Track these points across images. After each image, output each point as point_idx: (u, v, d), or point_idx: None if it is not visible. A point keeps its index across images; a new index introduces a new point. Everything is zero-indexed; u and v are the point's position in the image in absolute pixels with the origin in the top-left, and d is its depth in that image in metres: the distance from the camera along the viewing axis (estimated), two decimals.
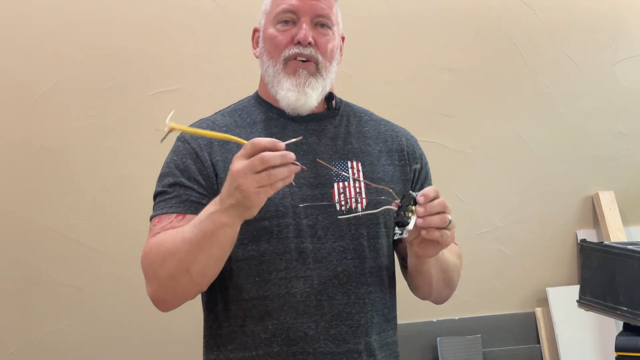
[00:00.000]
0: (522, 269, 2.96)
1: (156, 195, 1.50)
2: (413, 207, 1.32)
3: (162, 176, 1.50)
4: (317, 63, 1.51)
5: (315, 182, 1.46)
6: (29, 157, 2.47)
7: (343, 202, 1.47)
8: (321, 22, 1.52)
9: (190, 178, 1.47)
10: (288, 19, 1.51)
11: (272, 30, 1.53)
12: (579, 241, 2.84)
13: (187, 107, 2.51)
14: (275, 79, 1.52)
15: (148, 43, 2.56)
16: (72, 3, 2.51)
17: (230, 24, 2.62)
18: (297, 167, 1.25)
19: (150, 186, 1.54)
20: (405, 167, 1.58)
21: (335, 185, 1.48)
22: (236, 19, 2.62)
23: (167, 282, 1.39)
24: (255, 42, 1.61)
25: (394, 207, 1.35)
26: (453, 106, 2.89)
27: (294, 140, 1.28)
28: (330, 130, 1.55)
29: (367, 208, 1.47)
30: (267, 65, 1.54)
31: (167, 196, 1.47)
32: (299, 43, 1.49)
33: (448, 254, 1.52)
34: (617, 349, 2.19)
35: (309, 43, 1.49)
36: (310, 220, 1.44)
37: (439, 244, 1.36)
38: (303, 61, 1.50)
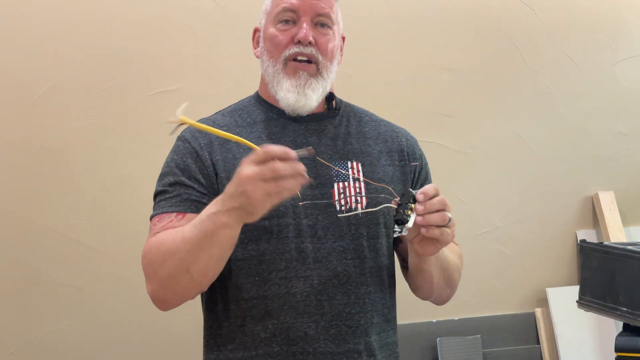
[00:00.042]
0: (522, 269, 2.96)
1: (156, 194, 1.50)
2: (412, 205, 1.32)
3: (162, 175, 1.50)
4: (317, 63, 1.51)
5: (315, 182, 1.46)
6: (29, 157, 2.47)
7: (343, 202, 1.47)
8: (321, 22, 1.52)
9: (190, 177, 1.47)
10: (288, 18, 1.51)
11: (272, 30, 1.53)
12: (578, 241, 2.84)
13: (187, 107, 2.52)
14: (275, 79, 1.52)
15: (148, 43, 2.56)
16: (72, 3, 2.51)
17: (230, 24, 2.62)
18: (305, 179, 1.24)
19: (150, 186, 1.54)
20: (405, 168, 1.58)
21: (335, 185, 1.48)
22: (236, 19, 2.62)
23: (167, 281, 1.39)
24: (255, 42, 1.61)
25: (393, 205, 1.35)
26: (453, 106, 2.89)
27: (304, 151, 1.28)
28: (331, 131, 1.55)
29: (367, 208, 1.47)
30: (267, 65, 1.54)
31: (168, 195, 1.47)
32: (299, 42, 1.49)
33: (449, 253, 1.52)
34: (616, 350, 2.19)
35: (310, 42, 1.49)
36: (310, 220, 1.44)
37: (439, 242, 1.36)
38: (303, 61, 1.50)
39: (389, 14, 2.82)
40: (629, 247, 2.22)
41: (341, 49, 1.61)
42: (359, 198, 1.48)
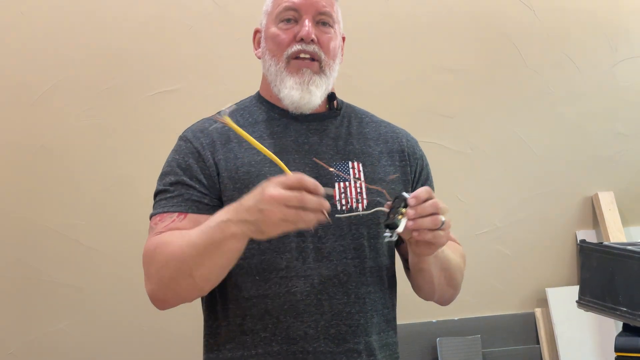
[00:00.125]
0: (522, 269, 2.96)
1: (157, 193, 1.50)
2: (404, 210, 1.31)
3: (163, 174, 1.50)
4: (320, 61, 1.51)
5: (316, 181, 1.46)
6: (29, 157, 2.47)
7: (344, 202, 1.47)
8: (323, 20, 1.53)
9: (192, 177, 1.47)
10: (290, 17, 1.52)
11: (274, 29, 1.53)
12: (578, 242, 2.84)
13: (187, 107, 2.53)
14: (278, 78, 1.52)
15: (148, 43, 2.56)
16: (72, 3, 2.51)
17: (230, 24, 2.62)
18: (324, 218, 1.23)
19: (151, 186, 1.54)
20: (405, 168, 1.58)
21: (336, 185, 1.48)
22: (236, 19, 2.62)
23: (169, 283, 1.39)
24: (256, 43, 1.62)
25: (385, 209, 1.34)
26: (453, 107, 2.89)
27: (331, 190, 1.27)
28: (332, 131, 1.55)
29: (367, 208, 1.47)
30: (270, 64, 1.54)
31: (169, 195, 1.47)
32: (301, 40, 1.49)
33: (450, 253, 1.52)
34: (616, 350, 2.19)
35: (312, 40, 1.49)
36: None
37: (433, 245, 1.35)
38: (306, 59, 1.50)
39: (389, 15, 2.82)
40: (629, 247, 2.22)
41: (342, 49, 1.62)
42: (359, 198, 1.48)
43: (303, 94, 1.49)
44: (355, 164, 1.52)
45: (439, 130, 2.86)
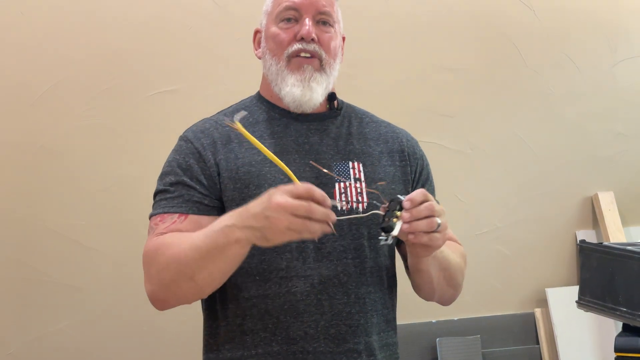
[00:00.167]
0: (522, 269, 2.96)
1: (157, 193, 1.50)
2: (399, 212, 1.31)
3: (163, 174, 1.50)
4: (320, 59, 1.51)
5: (317, 182, 1.46)
6: (29, 157, 2.47)
7: (344, 202, 1.47)
8: (323, 20, 1.53)
9: (192, 177, 1.47)
10: (290, 16, 1.52)
11: (274, 29, 1.53)
12: (578, 242, 2.84)
13: (187, 108, 2.53)
14: (279, 77, 1.52)
15: (148, 43, 2.56)
16: (72, 3, 2.51)
17: (230, 24, 2.62)
18: (329, 229, 1.24)
19: (151, 186, 1.54)
20: (405, 168, 1.58)
21: (337, 185, 1.48)
22: (236, 19, 2.62)
23: (169, 285, 1.39)
24: (257, 44, 1.62)
25: (381, 212, 1.34)
26: (453, 106, 2.89)
27: (337, 202, 1.28)
28: (333, 131, 1.55)
29: (367, 208, 1.47)
30: (270, 64, 1.54)
31: (169, 195, 1.47)
32: (302, 39, 1.50)
33: (450, 253, 1.52)
34: (616, 350, 2.19)
35: (312, 39, 1.50)
36: None
37: (430, 247, 1.35)
38: (307, 57, 1.50)
39: (389, 15, 2.82)
40: (629, 248, 2.22)
41: (342, 49, 1.62)
42: (359, 198, 1.48)
43: (304, 91, 1.50)
44: (356, 164, 1.52)
45: (439, 130, 2.86)
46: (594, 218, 3.03)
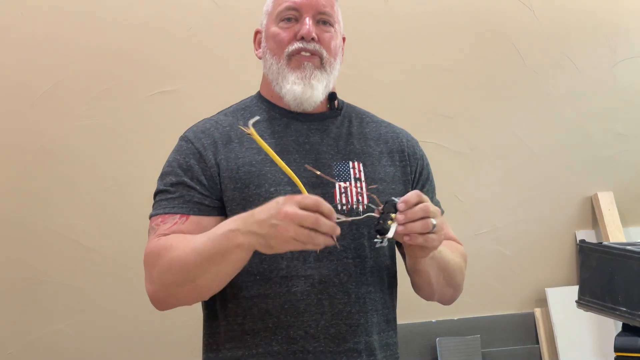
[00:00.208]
0: (521, 269, 2.96)
1: (157, 193, 1.50)
2: (393, 215, 1.31)
3: (164, 175, 1.50)
4: (321, 57, 1.51)
5: (317, 182, 1.46)
6: (29, 157, 2.47)
7: (344, 202, 1.47)
8: (323, 19, 1.53)
9: (193, 178, 1.47)
10: (290, 16, 1.52)
11: (274, 29, 1.54)
12: (578, 242, 2.84)
13: (187, 108, 2.53)
14: (280, 75, 1.52)
15: (148, 43, 2.57)
16: (72, 3, 2.51)
17: (230, 24, 2.62)
18: (333, 242, 1.25)
19: (151, 186, 1.54)
20: (406, 168, 1.58)
21: (337, 185, 1.48)
22: (236, 19, 2.62)
23: (170, 287, 1.39)
24: (257, 44, 1.62)
25: (376, 215, 1.34)
26: (452, 107, 2.89)
27: (343, 218, 1.29)
28: (333, 130, 1.55)
29: (367, 209, 1.47)
30: (271, 63, 1.54)
31: (170, 195, 1.47)
32: (302, 39, 1.50)
33: (449, 253, 1.52)
34: (616, 350, 2.19)
35: (312, 38, 1.50)
36: None
37: (426, 248, 1.35)
38: (307, 55, 1.51)
39: (389, 15, 2.82)
40: (628, 247, 2.22)
41: (342, 49, 1.62)
42: (360, 198, 1.48)
43: (305, 88, 1.50)
44: (356, 163, 1.52)
45: (439, 131, 2.86)
46: (594, 218, 3.03)
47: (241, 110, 1.58)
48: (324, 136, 1.53)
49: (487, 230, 2.93)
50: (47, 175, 2.48)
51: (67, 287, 2.48)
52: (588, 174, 3.03)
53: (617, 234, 2.91)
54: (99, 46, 2.52)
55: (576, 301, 2.38)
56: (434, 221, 1.31)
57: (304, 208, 1.23)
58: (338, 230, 1.25)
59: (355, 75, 2.66)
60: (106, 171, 2.52)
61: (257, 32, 1.63)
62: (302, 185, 1.30)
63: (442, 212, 1.60)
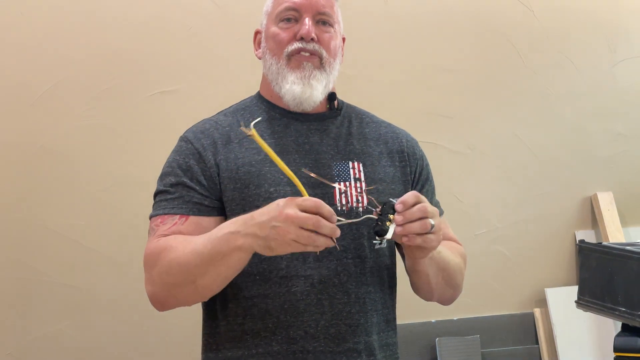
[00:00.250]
0: (521, 269, 2.96)
1: (157, 193, 1.50)
2: (392, 216, 1.31)
3: (163, 175, 1.51)
4: (320, 57, 1.52)
5: (317, 182, 1.46)
6: (29, 157, 2.47)
7: (344, 203, 1.48)
8: (323, 20, 1.53)
9: (192, 178, 1.47)
10: (290, 16, 1.52)
11: (274, 29, 1.54)
12: (577, 242, 2.84)
13: (187, 108, 2.53)
14: (279, 75, 1.52)
15: (148, 44, 2.57)
16: (72, 3, 2.51)
17: (230, 25, 2.62)
18: (333, 244, 1.26)
19: (150, 187, 1.54)
20: (405, 169, 1.58)
21: (337, 185, 1.48)
22: (235, 20, 2.62)
23: (170, 288, 1.40)
24: (257, 44, 1.62)
25: (374, 216, 1.35)
26: (452, 107, 2.89)
27: (344, 220, 1.30)
28: (333, 131, 1.55)
29: (366, 210, 1.47)
30: (271, 63, 1.54)
31: (170, 196, 1.47)
32: (302, 39, 1.50)
33: (448, 253, 1.52)
34: (615, 350, 2.19)
35: (312, 39, 1.50)
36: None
37: (425, 248, 1.35)
38: (307, 55, 1.51)
39: (388, 16, 2.82)
40: (628, 248, 2.22)
41: (342, 49, 1.62)
42: (359, 198, 1.49)
43: (305, 88, 1.50)
44: (356, 164, 1.52)
45: (438, 131, 2.86)
46: (593, 218, 3.03)
47: (241, 111, 1.58)
48: (324, 136, 1.53)
49: (487, 231, 2.93)
50: (47, 175, 2.48)
51: (67, 287, 2.48)
52: (588, 174, 3.03)
53: (616, 234, 2.91)
54: (99, 46, 2.52)
55: (576, 301, 2.38)
56: (432, 221, 1.32)
57: (304, 210, 1.23)
58: (338, 232, 1.25)
59: (355, 75, 2.67)
60: (106, 171, 2.52)
61: (257, 33, 1.63)
62: (302, 187, 1.30)
63: (442, 213, 1.60)
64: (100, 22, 2.53)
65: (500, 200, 2.95)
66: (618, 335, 2.22)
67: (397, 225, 1.31)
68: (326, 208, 1.24)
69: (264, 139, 1.49)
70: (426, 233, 1.32)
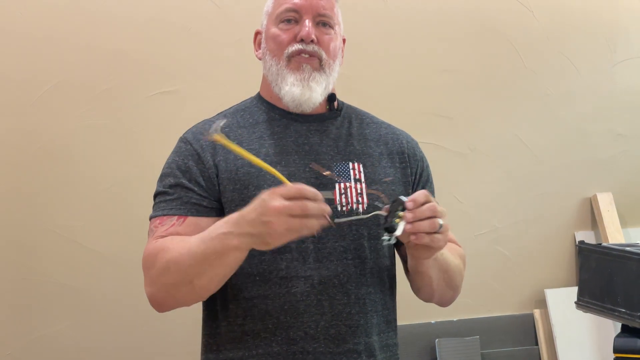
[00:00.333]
0: (521, 270, 2.96)
1: (156, 194, 1.51)
2: (402, 213, 1.32)
3: (163, 176, 1.51)
4: (320, 59, 1.52)
5: (317, 182, 1.46)
6: (29, 158, 2.47)
7: (344, 203, 1.48)
8: (323, 21, 1.53)
9: (191, 179, 1.47)
10: (290, 17, 1.52)
11: (274, 30, 1.54)
12: (577, 243, 2.85)
13: (187, 108, 2.53)
14: (279, 76, 1.52)
15: (147, 44, 2.56)
16: (72, 3, 2.51)
17: (229, 25, 2.62)
18: (327, 221, 1.25)
19: (150, 187, 1.54)
20: (406, 170, 1.58)
21: (337, 186, 1.48)
22: (235, 20, 2.62)
23: (168, 289, 1.40)
24: (257, 45, 1.62)
25: (383, 213, 1.35)
26: (452, 108, 2.89)
27: (330, 194, 1.29)
28: (333, 131, 1.55)
29: (367, 209, 1.47)
30: (271, 64, 1.54)
31: (168, 197, 1.47)
32: (302, 40, 1.50)
33: (449, 254, 1.52)
34: (615, 351, 2.20)
35: (312, 40, 1.50)
36: None
37: (431, 248, 1.36)
38: (306, 57, 1.51)
39: (388, 16, 2.82)
40: (628, 249, 2.23)
41: (342, 51, 1.62)
42: (359, 199, 1.49)
43: (304, 90, 1.50)
44: (356, 164, 1.52)
45: (438, 131, 2.86)
46: (593, 219, 3.03)
47: (241, 112, 1.58)
48: (324, 137, 1.53)
49: (487, 231, 2.93)
50: (47, 175, 2.48)
51: (67, 288, 2.48)
52: (587, 175, 3.04)
53: (616, 235, 2.91)
54: (99, 46, 2.52)
55: (575, 302, 2.39)
56: (440, 221, 1.32)
57: (289, 198, 1.23)
58: (328, 209, 1.25)
59: (354, 76, 2.66)
60: (106, 171, 2.52)
61: (257, 33, 1.63)
62: (281, 176, 1.31)
63: None
64: (100, 22, 2.53)
65: (500, 201, 2.95)
66: (618, 336, 2.23)
67: (407, 222, 1.31)
68: (309, 190, 1.24)
69: (264, 140, 1.50)
70: (434, 232, 1.32)
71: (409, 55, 2.85)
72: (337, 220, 1.42)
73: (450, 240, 1.63)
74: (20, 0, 2.47)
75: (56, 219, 2.48)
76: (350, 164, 1.52)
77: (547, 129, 3.00)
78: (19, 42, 2.47)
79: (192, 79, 2.60)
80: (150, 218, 1.49)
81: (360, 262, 1.47)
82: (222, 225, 1.32)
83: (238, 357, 1.44)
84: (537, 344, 2.90)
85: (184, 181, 1.47)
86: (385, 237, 1.33)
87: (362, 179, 1.50)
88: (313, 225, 1.24)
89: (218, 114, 1.60)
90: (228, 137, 1.50)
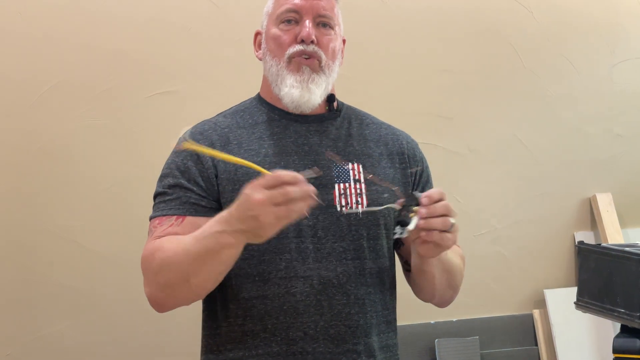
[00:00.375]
0: (520, 270, 2.96)
1: (156, 195, 1.51)
2: (416, 208, 1.33)
3: (162, 177, 1.51)
4: (320, 60, 1.52)
5: (316, 182, 1.45)
6: (29, 158, 2.47)
7: (344, 203, 1.48)
8: (323, 22, 1.54)
9: (190, 180, 1.47)
10: (291, 18, 1.53)
11: (275, 30, 1.54)
12: (576, 243, 2.85)
13: (187, 109, 2.53)
14: (279, 77, 1.53)
15: (147, 44, 2.57)
16: (72, 3, 2.51)
17: (229, 25, 2.62)
18: (314, 200, 1.25)
19: (150, 187, 1.55)
20: (405, 170, 1.58)
21: (336, 186, 1.49)
22: (235, 20, 2.62)
23: (165, 288, 1.40)
24: (257, 45, 1.62)
25: (397, 206, 1.36)
26: (451, 108, 2.89)
27: (311, 172, 1.28)
28: (332, 132, 1.55)
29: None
30: (271, 65, 1.54)
31: (167, 197, 1.47)
32: (302, 41, 1.50)
33: (451, 255, 1.52)
34: (614, 351, 2.20)
35: (312, 41, 1.50)
36: (310, 220, 1.45)
37: (440, 246, 1.36)
38: (306, 58, 1.51)
39: (388, 16, 2.82)
40: (627, 249, 2.23)
41: (342, 51, 1.63)
42: (359, 199, 1.49)
43: (303, 92, 1.50)
44: (355, 165, 1.52)
45: (437, 132, 2.86)
46: (592, 219, 3.03)
47: (241, 112, 1.58)
48: (323, 137, 1.54)
49: (486, 232, 2.94)
50: (47, 175, 2.48)
51: (67, 288, 2.48)
52: (587, 176, 3.04)
53: (615, 235, 2.91)
54: (99, 46, 2.52)
55: (575, 302, 2.39)
56: (452, 220, 1.33)
57: (269, 187, 1.22)
58: (311, 188, 1.24)
59: (354, 76, 2.66)
60: (106, 171, 2.52)
61: (257, 34, 1.63)
62: (258, 167, 1.31)
63: None
64: (100, 22, 2.53)
65: (499, 201, 2.95)
66: (617, 336, 2.23)
67: (421, 218, 1.32)
68: (287, 175, 1.23)
69: (264, 140, 1.50)
70: (445, 231, 1.32)
71: (409, 55, 2.85)
72: (347, 211, 1.44)
73: None
74: (20, 0, 2.47)
75: (56, 219, 2.48)
76: (350, 165, 1.52)
77: (547, 130, 3.00)
78: (19, 42, 2.47)
79: (192, 79, 2.60)
80: (150, 219, 1.49)
81: (359, 263, 1.47)
82: (214, 224, 1.32)
83: (238, 357, 1.45)
84: (536, 344, 2.91)
85: (183, 181, 1.47)
86: (398, 230, 1.34)
87: (362, 180, 1.51)
88: (301, 209, 1.23)
89: (217, 115, 1.61)
90: (228, 138, 1.51)
